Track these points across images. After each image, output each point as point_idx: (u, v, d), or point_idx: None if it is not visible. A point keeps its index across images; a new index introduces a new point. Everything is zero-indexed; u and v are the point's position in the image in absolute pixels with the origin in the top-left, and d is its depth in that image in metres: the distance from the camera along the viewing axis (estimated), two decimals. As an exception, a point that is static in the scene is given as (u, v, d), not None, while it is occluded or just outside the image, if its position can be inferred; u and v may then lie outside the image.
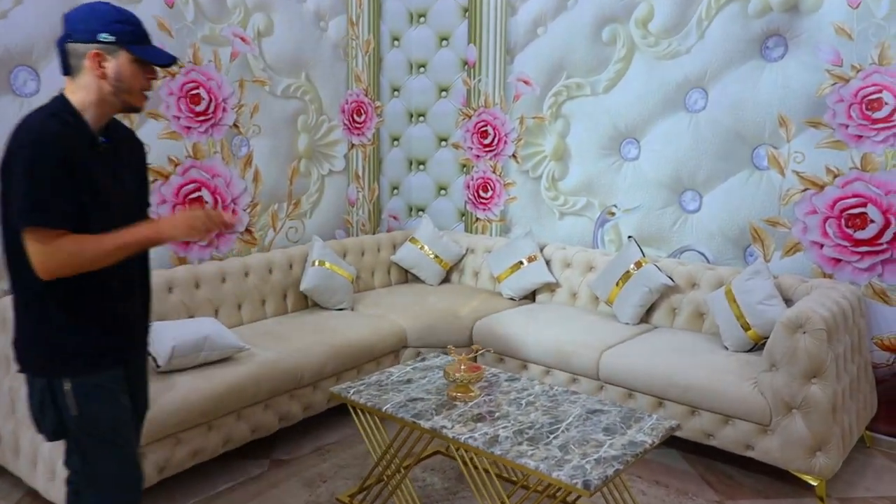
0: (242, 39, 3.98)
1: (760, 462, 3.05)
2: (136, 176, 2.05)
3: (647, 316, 3.91)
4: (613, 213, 4.32)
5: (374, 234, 5.01)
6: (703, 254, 4.00)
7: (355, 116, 4.81)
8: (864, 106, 3.39)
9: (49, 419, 1.90)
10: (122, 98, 1.85)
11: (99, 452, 1.91)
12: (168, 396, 2.79)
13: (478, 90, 4.87)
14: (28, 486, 2.91)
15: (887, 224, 3.38)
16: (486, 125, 4.87)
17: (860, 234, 3.45)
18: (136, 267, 1.99)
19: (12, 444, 2.89)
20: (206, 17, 3.78)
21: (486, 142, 4.88)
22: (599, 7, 4.19)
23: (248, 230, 4.16)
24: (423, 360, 3.21)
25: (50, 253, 1.73)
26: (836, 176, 3.51)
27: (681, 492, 3.08)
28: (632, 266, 3.86)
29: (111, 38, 1.79)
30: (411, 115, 5.19)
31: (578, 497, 2.81)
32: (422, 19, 5.02)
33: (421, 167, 5.26)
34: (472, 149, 4.98)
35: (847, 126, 3.45)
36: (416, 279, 4.85)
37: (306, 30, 4.35)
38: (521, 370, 3.78)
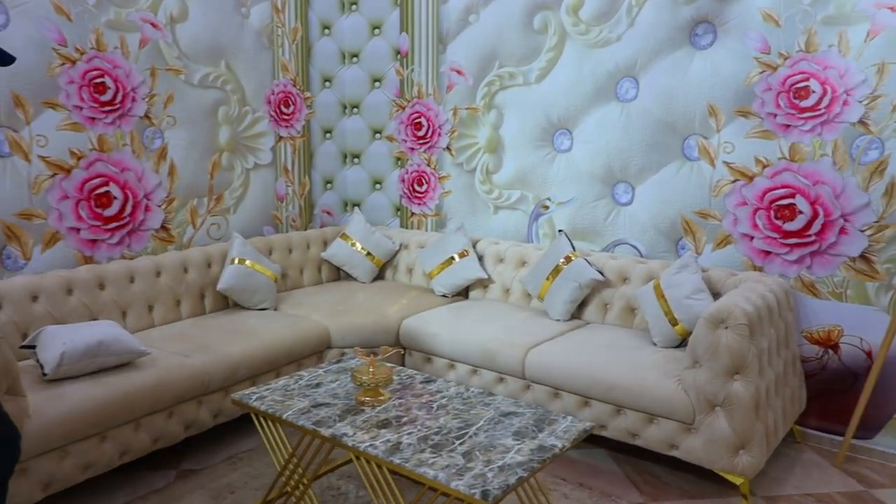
0: (153, 25, 3.76)
1: (685, 461, 2.96)
2: None
3: (578, 312, 3.80)
4: (547, 207, 4.21)
5: (305, 230, 4.82)
6: (636, 247, 3.90)
7: (283, 108, 4.61)
8: (791, 94, 3.32)
9: None
10: None
11: None
12: (53, 406, 2.58)
13: (411, 80, 4.71)
14: None
15: (815, 215, 3.31)
16: (419, 116, 4.71)
17: (789, 226, 3.38)
18: None
19: None
20: (111, 0, 3.55)
21: (420, 134, 4.73)
22: (530, -7, 4.07)
23: (163, 227, 3.95)
24: (339, 361, 3.05)
25: None
26: (765, 166, 3.43)
27: (604, 494, 2.97)
28: (561, 260, 3.74)
29: None
30: (344, 107, 5.01)
31: None
32: (353, 7, 4.84)
33: (356, 160, 5.08)
34: (406, 141, 4.82)
35: (775, 115, 3.37)
36: (349, 277, 4.68)
37: (225, 16, 4.14)
38: (449, 370, 3.65)
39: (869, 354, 3.28)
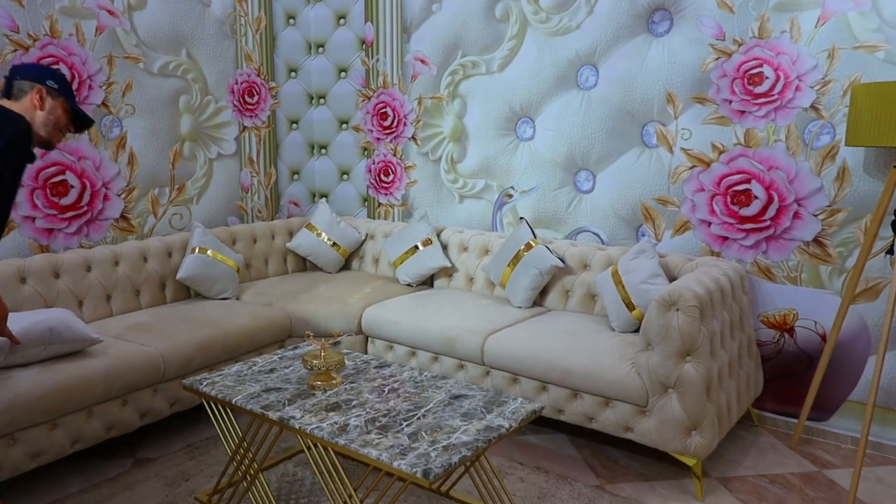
0: (109, 12, 3.72)
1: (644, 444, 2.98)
2: None
3: (540, 299, 3.82)
4: (511, 196, 4.22)
5: (272, 220, 4.80)
6: (597, 234, 3.92)
7: (247, 97, 4.59)
8: (745, 81, 3.35)
9: None
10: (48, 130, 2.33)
11: None
12: (0, 394, 2.56)
13: (376, 70, 4.70)
14: None
15: (770, 200, 3.34)
16: (385, 106, 4.71)
17: (745, 211, 3.42)
18: None
19: None
20: (65, -14, 3.52)
21: (386, 124, 4.72)
22: (492, -18, 4.07)
23: (123, 217, 3.92)
24: (295, 348, 3.04)
25: None
26: (721, 152, 3.46)
27: (561, 477, 2.98)
28: (522, 248, 3.75)
29: (55, 86, 2.35)
30: (311, 98, 4.99)
31: (443, 481, 2.71)
32: (318, -3, 4.82)
33: (323, 151, 5.07)
34: (372, 131, 4.81)
35: (731, 101, 3.40)
36: (315, 267, 4.67)
37: (185, 4, 4.11)
38: (411, 358, 3.65)
39: (823, 337, 3.32)
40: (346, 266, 4.71)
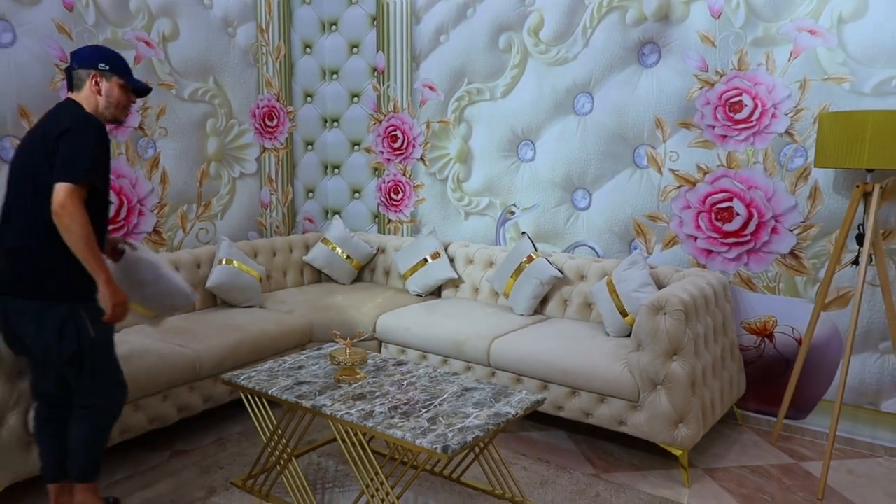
0: (146, 43, 4.08)
1: (637, 438, 3.29)
2: None
3: (541, 307, 4.14)
4: (513, 213, 4.55)
5: (289, 235, 5.12)
6: (593, 248, 4.25)
7: (267, 121, 4.93)
8: (727, 108, 3.69)
9: (69, 342, 2.41)
10: (111, 111, 2.53)
11: (107, 363, 2.57)
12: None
13: (387, 96, 5.06)
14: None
15: (750, 217, 3.68)
16: (395, 129, 5.05)
17: (728, 227, 3.75)
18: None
19: None
20: (108, 20, 3.87)
21: (396, 145, 5.06)
22: (496, 16, 4.43)
23: (156, 231, 4.24)
24: (319, 349, 3.35)
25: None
26: (706, 173, 3.80)
27: (560, 467, 3.28)
28: (524, 260, 4.08)
29: (106, 67, 2.50)
30: (325, 121, 5.34)
31: (455, 468, 2.99)
32: (333, 27, 5.19)
33: (336, 171, 5.40)
34: (383, 152, 5.15)
35: (714, 127, 3.75)
36: (329, 279, 4.99)
37: (214, 35, 4.47)
38: (422, 360, 3.95)
39: (800, 342, 3.63)
40: (358, 278, 5.02)
